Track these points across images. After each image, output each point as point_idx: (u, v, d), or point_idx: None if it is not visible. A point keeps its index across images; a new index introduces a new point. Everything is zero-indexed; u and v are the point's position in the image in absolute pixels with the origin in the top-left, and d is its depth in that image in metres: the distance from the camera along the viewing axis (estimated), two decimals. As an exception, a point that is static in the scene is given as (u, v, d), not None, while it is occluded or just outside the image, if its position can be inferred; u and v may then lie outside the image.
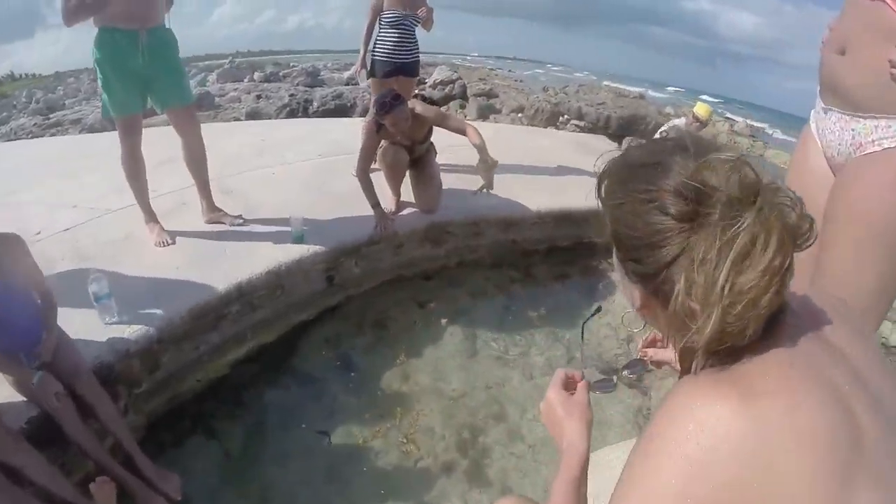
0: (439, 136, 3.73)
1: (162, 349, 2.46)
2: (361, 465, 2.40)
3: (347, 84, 11.87)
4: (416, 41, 4.12)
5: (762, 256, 0.60)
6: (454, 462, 2.42)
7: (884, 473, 0.62)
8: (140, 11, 2.69)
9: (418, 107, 3.36)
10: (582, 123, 8.79)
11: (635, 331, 1.05)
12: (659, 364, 1.21)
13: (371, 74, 4.12)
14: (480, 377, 2.91)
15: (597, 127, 8.56)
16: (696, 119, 4.66)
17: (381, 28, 4.01)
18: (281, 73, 13.28)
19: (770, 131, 22.00)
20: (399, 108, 3.17)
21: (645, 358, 1.22)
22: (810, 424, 0.61)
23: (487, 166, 3.23)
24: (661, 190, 0.66)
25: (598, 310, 1.30)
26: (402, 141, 3.46)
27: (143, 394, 2.43)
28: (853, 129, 1.35)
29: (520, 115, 10.02)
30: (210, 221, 3.29)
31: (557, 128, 8.94)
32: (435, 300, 3.46)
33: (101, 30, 2.67)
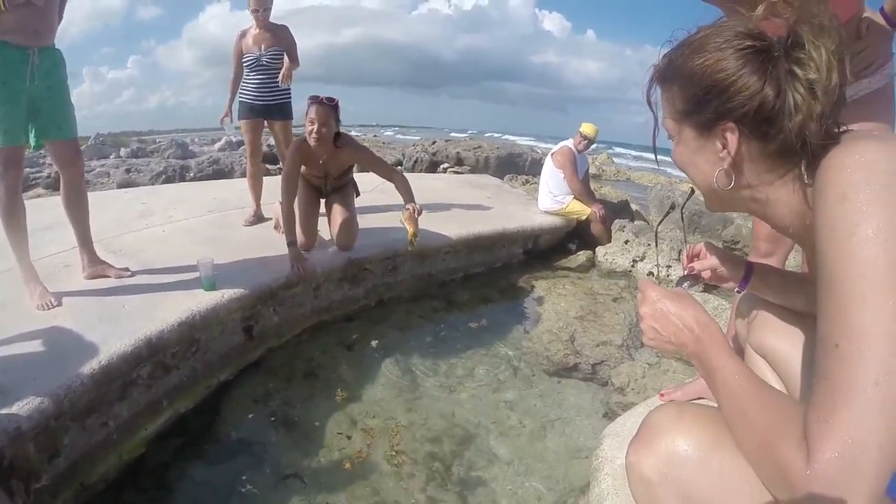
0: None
1: (62, 427, 2.02)
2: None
3: (220, 151, 11.46)
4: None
5: (832, 34, 0.78)
6: (437, 500, 2.18)
7: None
8: (34, 25, 2.39)
9: (346, 138, 3.31)
10: (461, 168, 9.00)
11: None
12: (699, 274, 1.26)
13: (238, 118, 4.11)
14: (431, 408, 2.71)
15: (477, 169, 8.80)
16: (584, 137, 4.91)
17: (245, 72, 4.03)
18: (148, 149, 12.58)
19: (628, 161, 24.53)
20: (328, 106, 3.09)
21: (694, 272, 1.24)
22: None
23: (410, 214, 3.10)
24: (735, 36, 0.84)
25: (673, 207, 1.38)
26: (316, 172, 3.36)
27: (45, 489, 1.95)
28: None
29: (399, 167, 10.12)
30: (91, 276, 2.89)
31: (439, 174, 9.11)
32: (362, 340, 3.24)
33: None
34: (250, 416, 2.64)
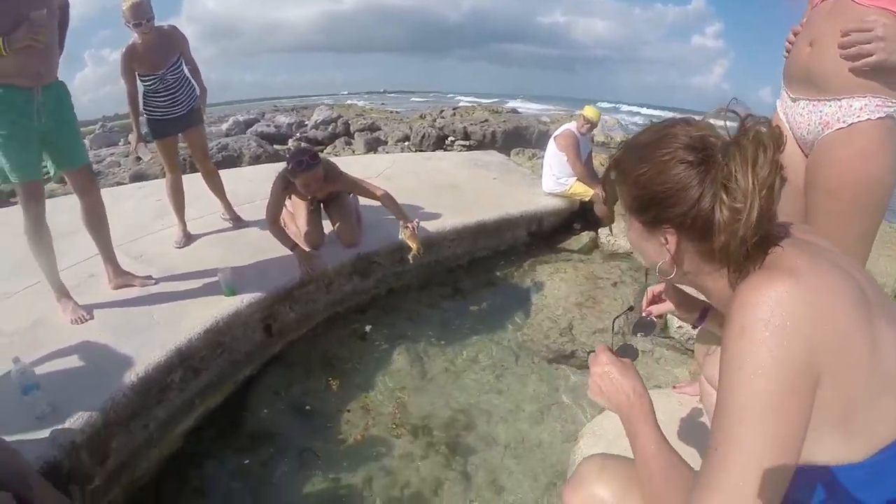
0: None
1: (109, 434, 2.25)
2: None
3: (227, 135, 11.58)
4: (189, 88, 3.83)
5: (766, 156, 0.83)
6: (441, 479, 2.43)
7: (888, 313, 0.85)
8: (36, 67, 2.53)
9: (331, 172, 3.44)
10: (468, 142, 9.10)
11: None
12: (660, 316, 1.43)
13: (153, 137, 3.87)
14: (438, 395, 2.94)
15: (483, 143, 8.90)
16: (587, 121, 5.00)
17: (145, 92, 3.71)
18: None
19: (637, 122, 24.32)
20: (314, 169, 3.21)
21: (651, 317, 1.40)
22: (840, 284, 0.83)
23: (411, 232, 3.22)
24: (677, 149, 0.91)
25: (631, 308, 1.50)
26: (303, 198, 3.56)
27: (98, 489, 2.18)
28: (821, 112, 1.54)
29: (406, 143, 10.21)
30: (117, 287, 3.10)
31: (446, 150, 9.19)
32: (374, 330, 3.47)
33: None
34: (273, 406, 2.89)
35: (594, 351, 1.13)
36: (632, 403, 1.03)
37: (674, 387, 2.17)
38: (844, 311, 0.81)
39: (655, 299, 1.43)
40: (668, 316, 3.42)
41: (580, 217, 5.20)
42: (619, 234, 4.73)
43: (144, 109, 3.74)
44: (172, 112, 3.76)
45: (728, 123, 0.90)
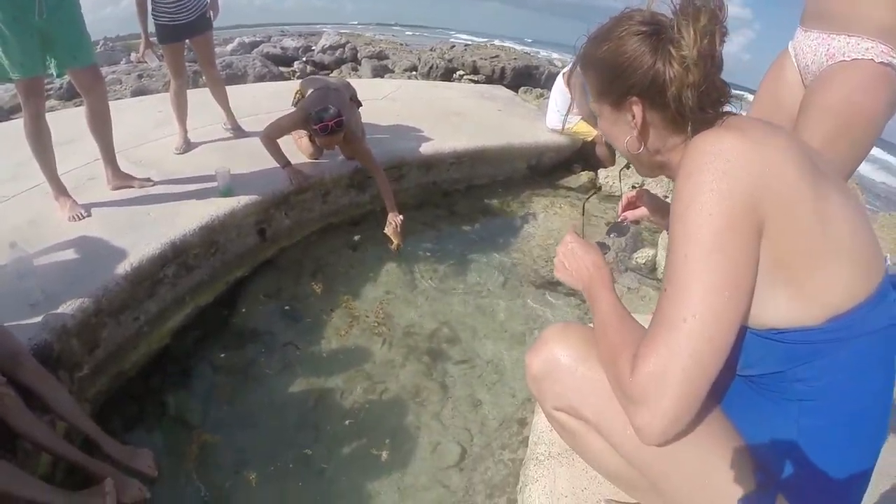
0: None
1: (100, 323, 2.31)
2: (331, 413, 2.38)
3: (232, 54, 11.31)
4: None
5: (707, 11, 0.91)
6: (420, 387, 2.52)
7: (839, 185, 0.91)
8: None
9: (350, 134, 3.39)
10: (477, 77, 8.88)
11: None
12: (636, 221, 1.49)
13: (160, 42, 3.78)
14: (425, 308, 3.01)
15: (492, 79, 8.70)
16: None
17: None
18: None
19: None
20: (337, 134, 3.20)
21: (625, 222, 1.47)
22: (787, 146, 0.88)
23: (393, 229, 3.27)
24: (632, 25, 0.99)
25: (600, 188, 1.55)
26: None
27: (86, 377, 2.25)
28: (829, 45, 1.59)
29: (414, 73, 10.00)
30: (116, 188, 3.11)
31: (453, 83, 9.04)
32: (366, 242, 3.53)
33: None
34: (262, 308, 2.96)
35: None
36: (592, 275, 1.12)
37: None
38: (789, 166, 0.85)
39: (631, 205, 1.50)
40: (656, 259, 3.52)
41: (581, 157, 5.18)
42: (618, 175, 4.73)
43: (153, 15, 3.63)
44: (180, 18, 3.66)
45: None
